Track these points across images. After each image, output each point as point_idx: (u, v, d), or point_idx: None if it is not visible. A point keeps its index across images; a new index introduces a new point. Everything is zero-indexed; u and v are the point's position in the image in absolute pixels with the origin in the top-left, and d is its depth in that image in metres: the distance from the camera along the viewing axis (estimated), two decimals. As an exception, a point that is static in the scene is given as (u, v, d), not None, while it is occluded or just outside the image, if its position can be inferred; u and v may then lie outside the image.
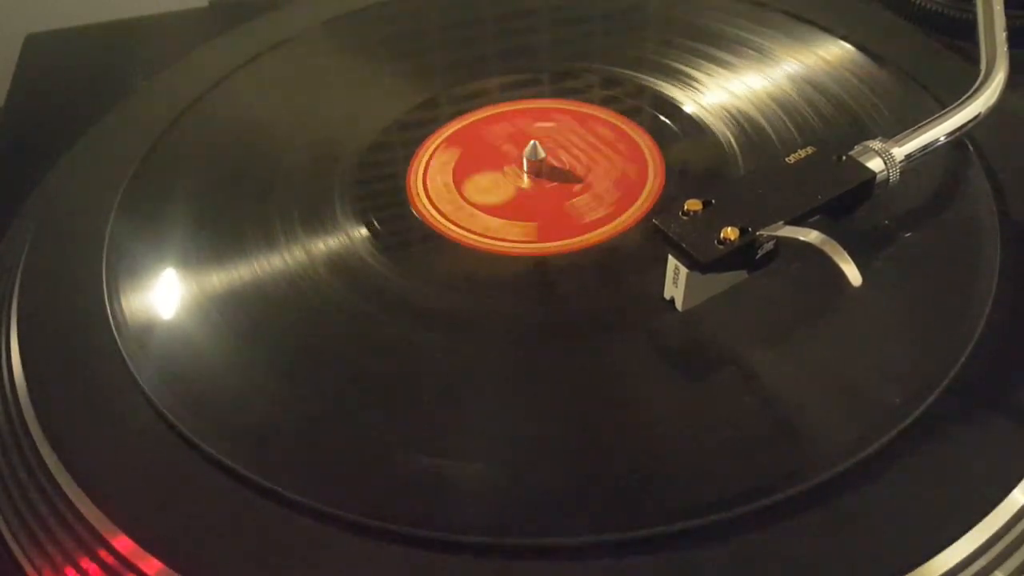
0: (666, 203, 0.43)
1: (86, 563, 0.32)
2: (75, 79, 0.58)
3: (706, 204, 0.36)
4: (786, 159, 0.38)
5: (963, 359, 0.34)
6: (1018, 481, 0.31)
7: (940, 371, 0.34)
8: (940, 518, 0.31)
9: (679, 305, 0.37)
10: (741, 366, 0.36)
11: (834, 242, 0.33)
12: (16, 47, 0.61)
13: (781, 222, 0.35)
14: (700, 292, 0.36)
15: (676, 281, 0.36)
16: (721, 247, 0.35)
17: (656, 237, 0.36)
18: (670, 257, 0.36)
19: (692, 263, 0.35)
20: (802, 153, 0.38)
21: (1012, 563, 0.30)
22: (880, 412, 0.33)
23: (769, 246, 0.36)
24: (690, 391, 0.35)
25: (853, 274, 0.33)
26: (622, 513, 0.31)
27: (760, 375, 0.35)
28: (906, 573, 0.29)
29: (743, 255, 0.35)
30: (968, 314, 0.36)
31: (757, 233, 0.35)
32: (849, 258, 0.33)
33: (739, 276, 0.37)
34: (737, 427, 0.33)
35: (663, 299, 0.37)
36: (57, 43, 0.61)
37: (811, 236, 0.34)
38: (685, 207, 0.36)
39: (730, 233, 0.35)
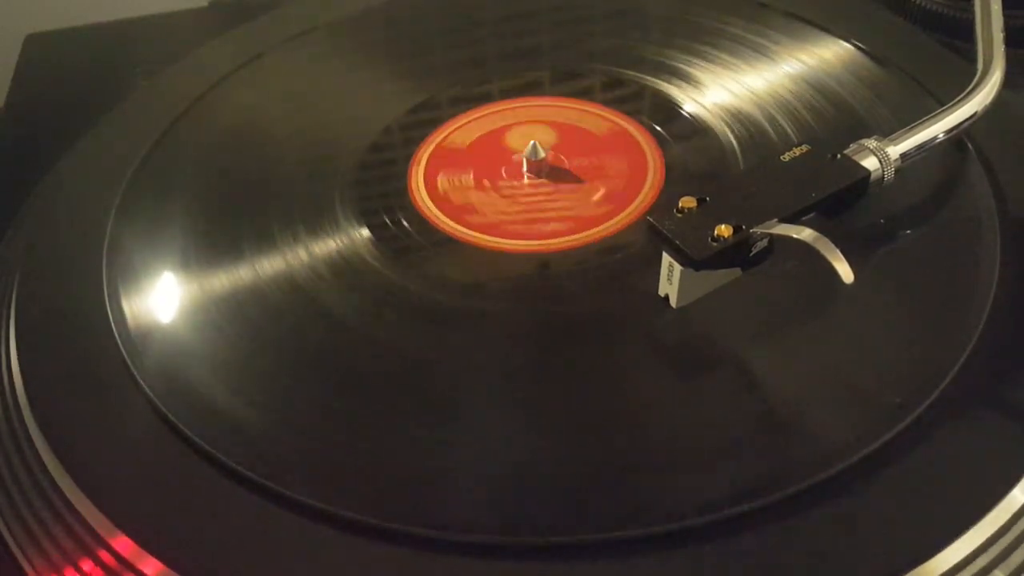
0: (665, 202, 0.43)
1: (86, 563, 0.32)
2: (75, 79, 0.58)
3: (700, 201, 0.36)
4: (780, 157, 0.38)
5: (963, 359, 0.34)
6: (1017, 481, 0.31)
7: (940, 371, 0.34)
8: (940, 517, 0.31)
9: (673, 302, 0.37)
10: (740, 366, 0.36)
11: (827, 240, 0.33)
12: (16, 47, 0.61)
13: (775, 220, 0.35)
14: (694, 289, 0.36)
15: (670, 278, 0.36)
16: (715, 244, 0.35)
17: (650, 234, 0.36)
18: (664, 254, 0.36)
19: (686, 260, 0.35)
20: (797, 151, 0.38)
21: (1012, 562, 0.30)
22: (880, 412, 0.33)
23: (763, 244, 0.36)
24: (688, 391, 0.35)
25: (845, 271, 0.33)
26: (621, 512, 0.31)
27: (759, 375, 0.35)
28: (906, 572, 0.29)
29: (737, 252, 0.35)
30: (968, 314, 0.36)
31: (751, 231, 0.35)
32: (841, 256, 0.33)
33: (733, 274, 0.37)
34: (735, 427, 0.33)
35: (659, 296, 0.37)
36: (57, 43, 0.61)
37: (804, 234, 0.34)
38: (679, 204, 0.36)
39: (724, 230, 0.35)
